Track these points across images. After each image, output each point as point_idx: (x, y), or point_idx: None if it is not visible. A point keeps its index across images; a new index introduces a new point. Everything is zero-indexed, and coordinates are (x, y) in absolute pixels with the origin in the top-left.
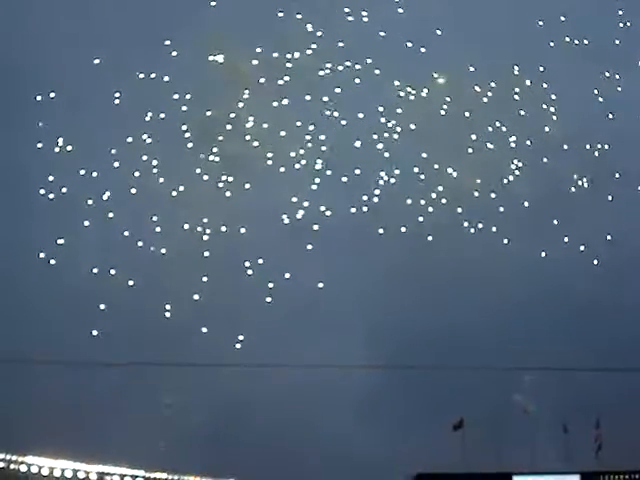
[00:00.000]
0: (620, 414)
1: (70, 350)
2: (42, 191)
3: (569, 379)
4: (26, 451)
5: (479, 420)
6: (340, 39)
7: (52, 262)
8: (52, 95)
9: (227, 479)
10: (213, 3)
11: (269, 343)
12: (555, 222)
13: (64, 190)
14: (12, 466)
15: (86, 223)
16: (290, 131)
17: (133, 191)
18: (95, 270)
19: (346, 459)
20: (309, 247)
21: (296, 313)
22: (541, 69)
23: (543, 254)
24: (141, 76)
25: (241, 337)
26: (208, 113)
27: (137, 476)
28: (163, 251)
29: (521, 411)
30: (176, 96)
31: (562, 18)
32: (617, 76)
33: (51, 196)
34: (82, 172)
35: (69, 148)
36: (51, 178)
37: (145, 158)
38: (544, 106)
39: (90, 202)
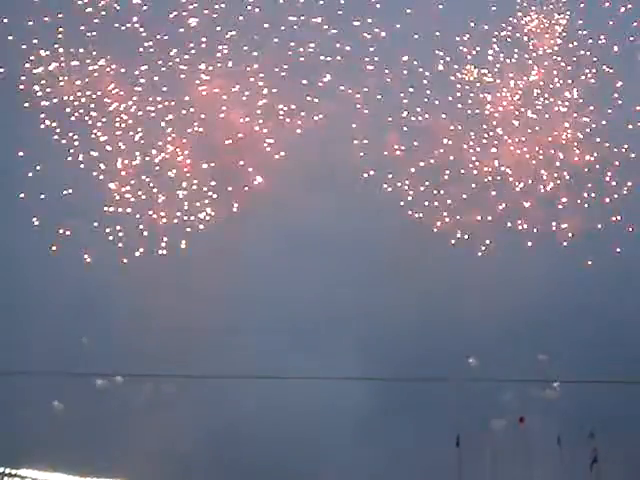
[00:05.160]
0: (616, 427)
1: (66, 361)
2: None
3: (564, 391)
4: (20, 464)
5: (475, 434)
6: None
7: (50, 267)
8: None
9: None
10: None
11: (262, 354)
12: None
13: None
14: (5, 479)
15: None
16: None
17: None
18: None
19: (342, 474)
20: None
21: (289, 323)
22: None
23: (539, 266)
24: None
25: (235, 349)
26: None
27: None
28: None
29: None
30: None
31: None
32: None
33: None
34: None
35: None
36: None
37: None
38: None
39: None
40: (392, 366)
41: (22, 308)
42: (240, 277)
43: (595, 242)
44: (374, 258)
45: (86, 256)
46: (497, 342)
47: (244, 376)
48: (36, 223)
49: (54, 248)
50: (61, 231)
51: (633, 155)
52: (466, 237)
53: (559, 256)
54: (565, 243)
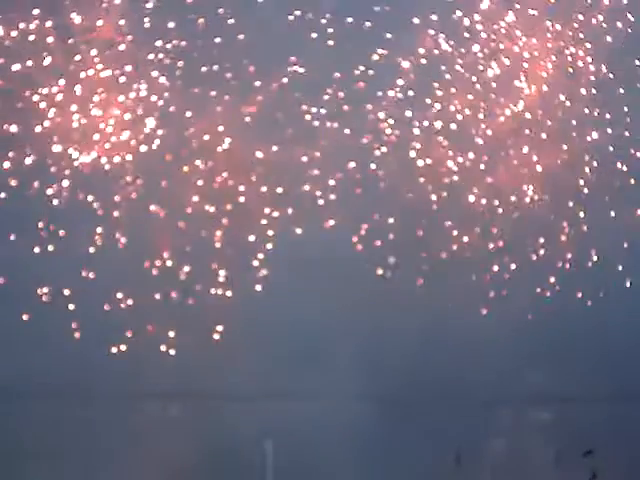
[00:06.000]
0: (615, 444)
1: (58, 381)
2: None
3: (562, 409)
4: None
5: (477, 454)
6: None
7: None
8: None
9: None
10: None
11: (261, 374)
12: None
13: None
14: None
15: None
16: None
17: None
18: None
19: None
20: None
21: (290, 344)
22: None
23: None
24: None
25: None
26: None
27: None
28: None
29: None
30: None
31: None
32: None
33: None
34: None
35: None
36: None
37: None
38: None
39: None
40: (393, 385)
41: None
42: (240, 298)
43: (596, 266)
44: (374, 278)
45: (74, 325)
46: (497, 361)
47: (245, 396)
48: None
49: (25, 317)
50: (39, 291)
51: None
52: (465, 259)
53: (558, 275)
54: (562, 261)
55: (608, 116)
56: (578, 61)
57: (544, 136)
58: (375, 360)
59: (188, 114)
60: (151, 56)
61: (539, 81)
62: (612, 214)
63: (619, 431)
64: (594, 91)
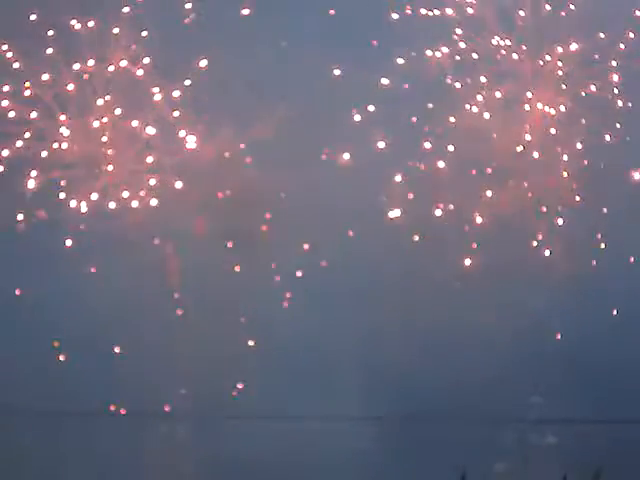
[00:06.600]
0: (622, 466)
1: (53, 399)
2: None
3: (569, 431)
4: None
5: (483, 475)
6: None
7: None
8: None
9: None
10: None
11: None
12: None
13: None
14: None
15: None
16: None
17: None
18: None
19: None
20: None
21: (288, 360)
22: None
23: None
24: None
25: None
26: None
27: None
28: None
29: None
30: None
31: None
32: None
33: None
34: None
35: None
36: None
37: None
38: None
39: None
40: (394, 404)
41: None
42: (240, 320)
43: (595, 282)
44: (376, 296)
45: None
46: (500, 381)
47: (244, 416)
48: None
49: None
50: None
51: None
52: (468, 278)
53: (558, 293)
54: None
55: (626, 142)
56: (591, 87)
57: (551, 167)
58: (378, 380)
59: (200, 140)
60: (156, 89)
61: (547, 109)
62: (631, 260)
63: (628, 452)
64: (612, 120)
